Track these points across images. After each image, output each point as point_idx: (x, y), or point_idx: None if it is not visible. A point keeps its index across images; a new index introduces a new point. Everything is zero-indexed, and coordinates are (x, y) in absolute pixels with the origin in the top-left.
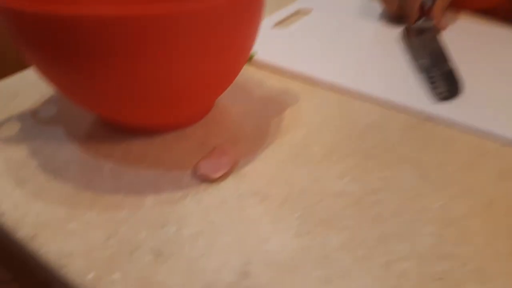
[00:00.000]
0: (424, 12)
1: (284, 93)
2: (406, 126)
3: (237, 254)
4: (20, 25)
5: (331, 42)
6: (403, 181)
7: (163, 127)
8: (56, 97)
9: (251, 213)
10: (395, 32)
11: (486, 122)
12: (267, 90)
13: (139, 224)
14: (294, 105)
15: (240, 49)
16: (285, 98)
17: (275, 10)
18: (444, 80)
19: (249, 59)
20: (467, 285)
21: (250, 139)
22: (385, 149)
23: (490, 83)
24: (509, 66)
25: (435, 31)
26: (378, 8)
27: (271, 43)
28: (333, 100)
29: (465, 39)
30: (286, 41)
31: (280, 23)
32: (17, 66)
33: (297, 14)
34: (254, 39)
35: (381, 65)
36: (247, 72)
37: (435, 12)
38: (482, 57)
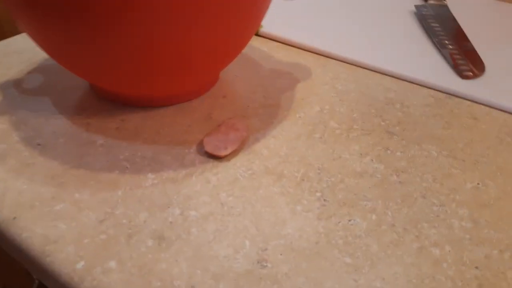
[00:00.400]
0: None
1: (295, 66)
2: (429, 102)
3: (251, 239)
4: None
5: (343, 15)
6: (430, 160)
7: (163, 99)
8: (43, 66)
9: (265, 193)
10: (410, 6)
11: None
12: (276, 63)
13: (137, 205)
14: (306, 78)
15: (249, 13)
16: (296, 71)
17: None
18: (466, 58)
19: (256, 32)
20: (508, 274)
21: (260, 114)
22: (408, 126)
23: (511, 61)
24: None
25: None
26: None
27: (280, 15)
28: (349, 74)
29: (476, 15)
30: (295, 14)
31: None
32: None
33: None
34: (265, 7)
35: (397, 40)
36: (254, 44)
37: None
38: (498, 33)
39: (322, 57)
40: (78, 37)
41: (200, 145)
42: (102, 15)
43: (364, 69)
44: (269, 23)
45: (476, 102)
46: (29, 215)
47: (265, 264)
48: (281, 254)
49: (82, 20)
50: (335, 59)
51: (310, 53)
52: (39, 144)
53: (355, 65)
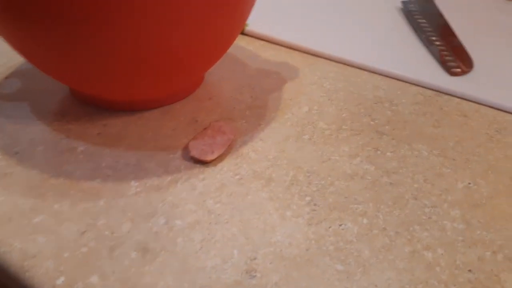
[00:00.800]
0: None
1: (282, 66)
2: (418, 100)
3: (240, 248)
4: None
5: (330, 12)
6: (421, 160)
7: (146, 103)
8: (20, 70)
9: (254, 199)
10: (397, 2)
11: (501, 96)
12: (263, 63)
13: (120, 215)
14: (294, 78)
15: (233, 12)
16: (284, 71)
17: None
18: (454, 55)
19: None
20: (501, 276)
21: (247, 115)
22: (398, 125)
23: (499, 56)
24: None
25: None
26: None
27: (266, 14)
28: (337, 73)
29: (463, 11)
30: (282, 12)
31: None
32: None
33: None
34: (250, 5)
35: (385, 37)
36: (240, 43)
37: None
38: (486, 28)
39: (310, 55)
40: (56, 40)
41: (186, 150)
42: (81, 18)
43: (353, 67)
44: (255, 22)
45: (465, 99)
46: (7, 229)
47: (254, 274)
48: (270, 263)
49: (59, 23)
50: (323, 57)
51: (297, 52)
52: (16, 153)
53: (343, 63)
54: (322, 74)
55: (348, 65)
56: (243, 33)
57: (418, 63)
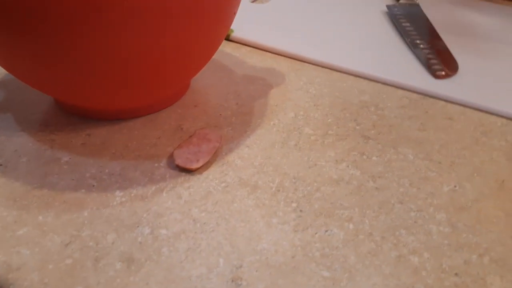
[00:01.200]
0: None
1: (268, 72)
2: (403, 104)
3: (225, 257)
4: None
5: (315, 17)
6: (406, 164)
7: (131, 111)
8: (2, 81)
9: (240, 207)
10: (382, 6)
11: (486, 99)
12: (249, 69)
13: (105, 225)
14: (280, 84)
15: (215, 18)
16: (269, 76)
17: None
18: (439, 58)
19: (227, 37)
20: (488, 279)
21: (233, 122)
22: (383, 129)
23: (484, 59)
24: (496, 40)
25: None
26: None
27: (250, 20)
28: (323, 78)
29: (448, 14)
30: (266, 17)
31: None
32: None
33: None
34: (233, 11)
35: (370, 41)
36: (225, 50)
37: None
38: (470, 32)
39: (295, 61)
40: (37, 52)
41: (171, 158)
42: (62, 29)
43: (338, 72)
44: (241, 28)
45: (451, 102)
46: None
47: (240, 282)
48: (256, 271)
49: (40, 34)
50: (308, 62)
51: (283, 58)
52: (0, 165)
53: (329, 68)
54: (308, 79)
55: (333, 69)
56: (228, 39)
57: (403, 67)
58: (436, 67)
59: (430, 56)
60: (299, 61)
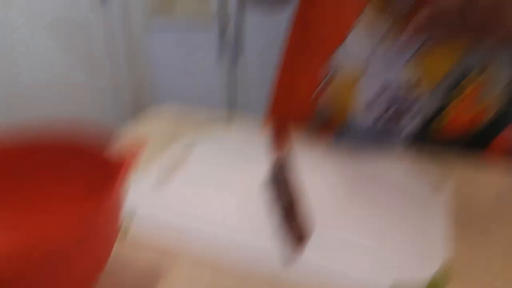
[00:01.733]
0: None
1: (153, 273)
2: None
3: None
4: None
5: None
6: None
7: None
8: None
9: None
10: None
11: (338, 264)
12: (137, 273)
13: None
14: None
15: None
16: (155, 279)
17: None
18: (292, 227)
19: (124, 234)
20: None
21: None
22: None
23: (342, 221)
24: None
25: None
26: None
27: (153, 207)
28: (204, 270)
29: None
30: (170, 202)
31: (160, 181)
32: None
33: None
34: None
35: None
36: (120, 251)
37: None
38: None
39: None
40: None
41: None
42: None
43: (219, 261)
44: (142, 223)
45: (309, 273)
46: None
47: None
48: None
49: None
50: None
51: (172, 253)
52: None
53: (210, 256)
54: (191, 273)
55: (214, 258)
56: (126, 237)
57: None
58: (290, 238)
59: (285, 226)
60: (184, 255)
